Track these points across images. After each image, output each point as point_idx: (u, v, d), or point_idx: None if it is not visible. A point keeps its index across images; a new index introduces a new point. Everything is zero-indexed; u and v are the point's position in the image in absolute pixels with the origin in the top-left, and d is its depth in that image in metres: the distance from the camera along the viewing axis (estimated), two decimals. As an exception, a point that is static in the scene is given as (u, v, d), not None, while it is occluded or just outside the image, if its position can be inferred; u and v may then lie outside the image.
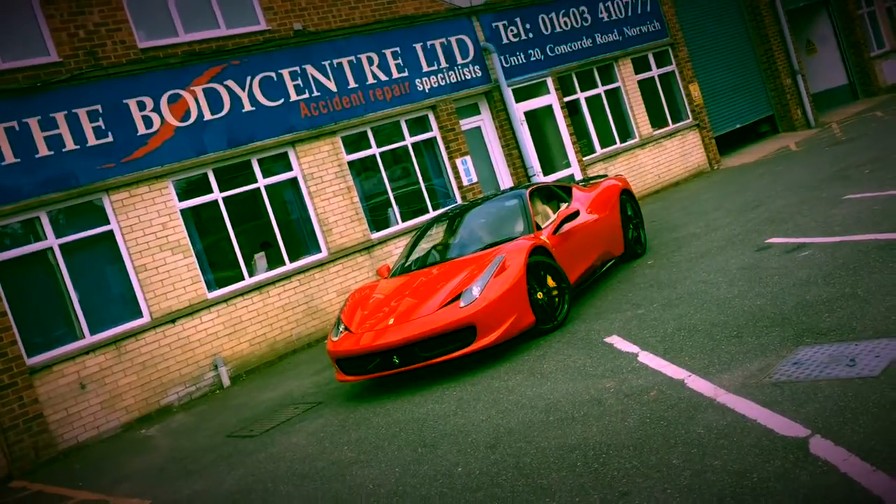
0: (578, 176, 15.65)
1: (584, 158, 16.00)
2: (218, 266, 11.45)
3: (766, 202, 11.39)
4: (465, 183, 13.99)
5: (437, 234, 9.47)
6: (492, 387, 6.73)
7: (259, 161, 11.92)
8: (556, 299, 7.97)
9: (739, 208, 11.62)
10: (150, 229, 10.73)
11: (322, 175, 12.44)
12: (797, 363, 5.09)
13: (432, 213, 13.56)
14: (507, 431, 5.57)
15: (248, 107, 11.79)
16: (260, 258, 11.80)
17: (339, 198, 12.53)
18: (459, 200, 14.01)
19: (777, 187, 12.53)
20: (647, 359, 6.13)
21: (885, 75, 24.36)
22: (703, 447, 4.35)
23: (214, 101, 11.48)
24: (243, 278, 11.50)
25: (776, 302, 6.44)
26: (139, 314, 10.56)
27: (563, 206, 9.46)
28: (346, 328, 7.99)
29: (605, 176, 11.31)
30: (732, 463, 4.08)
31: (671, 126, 18.16)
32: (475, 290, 7.40)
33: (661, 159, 17.66)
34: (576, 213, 8.59)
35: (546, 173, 15.19)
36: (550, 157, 15.55)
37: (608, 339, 6.94)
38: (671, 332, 6.56)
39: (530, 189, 9.25)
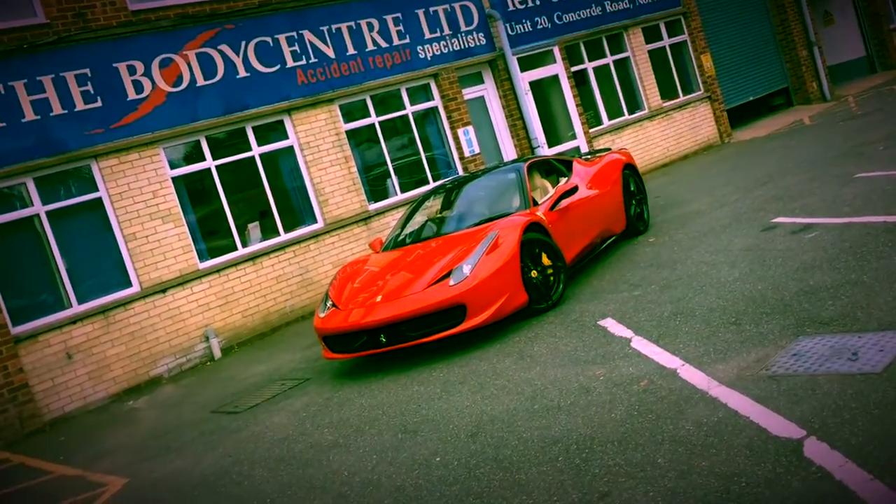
0: (584, 148, 15.29)
1: (590, 130, 15.62)
2: (210, 236, 11.20)
3: (776, 178, 11.04)
4: (467, 154, 13.66)
5: (432, 207, 9.17)
6: (479, 369, 6.48)
7: (254, 129, 11.62)
8: (552, 278, 7.69)
9: (748, 184, 11.27)
10: (141, 197, 10.47)
11: (319, 144, 12.13)
12: (796, 355, 4.81)
13: (432, 185, 13.25)
14: (490, 419, 5.33)
15: (242, 73, 11.46)
16: (254, 228, 11.55)
17: (336, 167, 12.23)
18: (461, 171, 13.69)
19: (788, 163, 12.16)
20: (641, 344, 5.86)
21: (903, 48, 23.74)
22: (690, 446, 4.09)
23: (208, 66, 11.16)
24: (236, 248, 11.26)
25: (778, 287, 6.14)
26: (128, 284, 10.34)
27: (563, 180, 9.15)
28: (333, 304, 7.74)
29: (608, 149, 10.96)
30: (721, 465, 3.81)
31: (681, 98, 17.73)
32: (466, 268, 7.12)
33: (670, 132, 17.25)
34: (574, 189, 8.28)
35: (551, 145, 14.84)
36: (556, 129, 15.18)
37: (602, 322, 6.67)
38: (667, 317, 6.28)
39: (528, 163, 8.93)
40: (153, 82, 10.68)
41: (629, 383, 5.17)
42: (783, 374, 4.61)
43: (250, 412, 7.51)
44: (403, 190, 13.04)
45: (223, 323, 10.88)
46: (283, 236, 11.67)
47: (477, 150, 13.77)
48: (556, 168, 9.33)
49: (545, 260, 7.65)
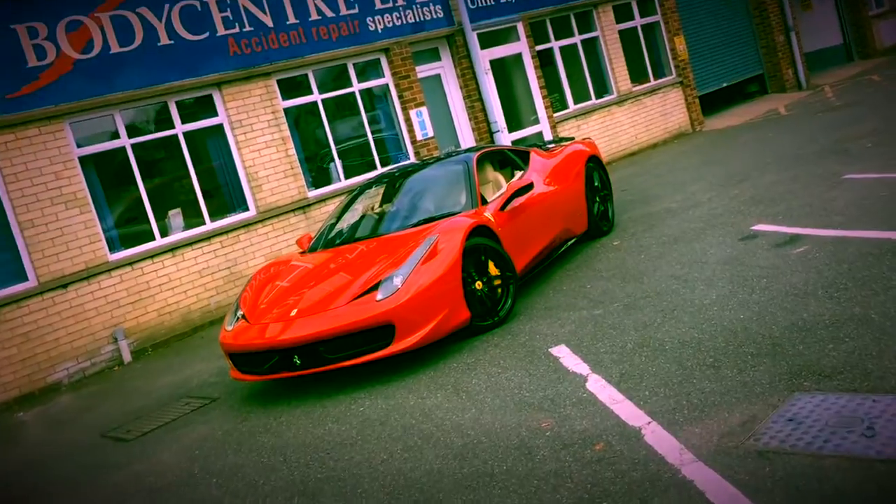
0: (548, 135, 14.18)
1: (554, 115, 14.51)
2: (124, 224, 9.96)
3: (753, 175, 10.03)
4: (420, 137, 12.50)
5: (369, 201, 8.00)
6: (405, 406, 5.39)
7: (177, 104, 10.35)
8: (499, 290, 6.60)
9: (722, 181, 10.25)
10: (40, 179, 9.19)
11: (252, 123, 10.89)
12: (793, 420, 3.78)
13: (375, 173, 12.08)
14: (407, 484, 4.23)
15: (165, 40, 10.17)
16: (175, 215, 10.31)
17: (271, 149, 11.01)
18: (412, 156, 12.53)
19: (765, 157, 11.17)
20: (598, 386, 4.79)
21: (882, 36, 22.93)
22: (657, 562, 3.03)
23: (124, 31, 9.85)
24: (154, 238, 10.02)
25: (765, 318, 5.10)
26: (23, 277, 9.08)
27: (518, 174, 8.05)
28: (243, 315, 6.59)
29: (571, 139, 9.87)
30: None
31: (652, 82, 16.69)
32: (397, 280, 6.01)
33: (640, 118, 16.21)
34: (529, 186, 7.18)
35: (512, 130, 13.71)
36: (518, 113, 14.05)
37: (554, 350, 5.59)
38: (631, 349, 5.22)
39: (479, 153, 7.81)
40: (58, 48, 9.36)
41: (581, 445, 4.10)
42: (777, 448, 3.57)
43: (141, 441, 6.37)
44: (349, 175, 11.87)
45: (135, 322, 9.67)
46: (209, 225, 10.46)
47: (430, 134, 12.62)
48: (510, 160, 8.22)
49: (492, 269, 6.57)
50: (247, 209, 10.81)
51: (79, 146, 9.55)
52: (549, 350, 5.61)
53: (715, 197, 9.32)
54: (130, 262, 9.69)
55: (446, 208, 7.13)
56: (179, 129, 10.33)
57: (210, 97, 10.63)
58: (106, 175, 9.86)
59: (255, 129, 10.89)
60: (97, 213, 9.58)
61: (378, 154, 12.25)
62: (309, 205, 11.23)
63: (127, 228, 9.94)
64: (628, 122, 15.93)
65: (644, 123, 16.25)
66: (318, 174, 11.69)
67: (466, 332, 6.42)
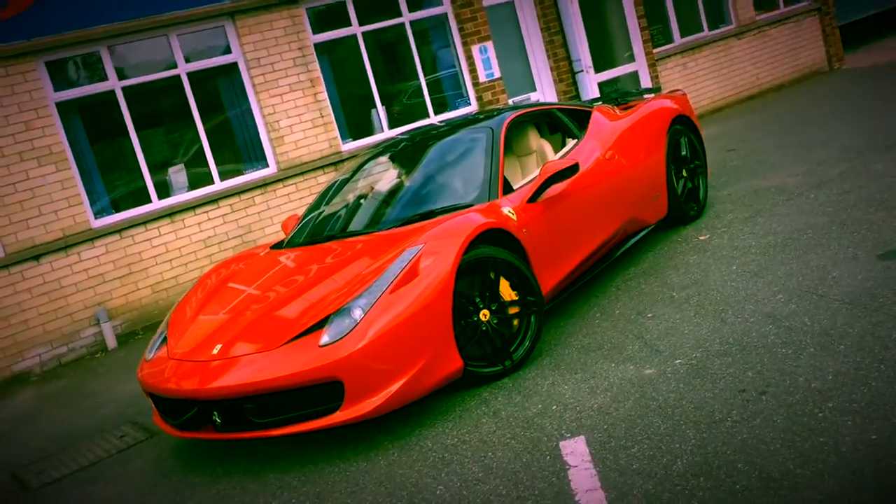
0: (645, 76, 11.77)
1: (654, 51, 12.06)
2: (112, 183, 8.43)
3: (906, 141, 7.56)
4: (483, 79, 10.42)
5: (369, 177, 6.07)
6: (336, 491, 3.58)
7: (180, 38, 8.64)
8: (515, 323, 4.64)
9: (862, 146, 7.80)
10: (7, 130, 7.71)
11: (274, 61, 9.08)
12: None
13: (432, 118, 10.12)
14: None
15: (163, -41, 8.42)
16: (176, 173, 8.71)
17: (297, 94, 9.20)
18: (473, 102, 10.49)
19: (923, 113, 8.59)
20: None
21: None
22: None
23: (110, -52, 8.15)
24: (150, 201, 8.46)
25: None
26: (-13, 248, 7.71)
27: (570, 144, 5.96)
28: (165, 339, 4.90)
29: (656, 90, 7.59)
30: None
31: (782, 9, 13.90)
32: (356, 312, 4.14)
33: (763, 54, 13.51)
34: (572, 169, 5.08)
35: (600, 69, 11.40)
36: (608, 49, 11.67)
37: (567, 448, 3.63)
38: (681, 474, 3.20)
39: (514, 116, 5.72)
40: (27, -30, 7.75)
41: None
42: None
43: (44, 493, 4.87)
44: (393, 125, 9.96)
45: (124, 301, 8.20)
46: (219, 185, 8.82)
47: (497, 75, 10.51)
48: (561, 123, 6.11)
49: (506, 291, 4.61)
50: (266, 165, 9.10)
51: (57, 90, 7.99)
52: (561, 446, 3.65)
53: (849, 172, 6.95)
54: (118, 230, 8.17)
55: (453, 198, 5.14)
56: (183, 69, 8.64)
57: (222, 30, 8.86)
58: (91, 125, 8.31)
59: (278, 70, 9.08)
60: (78, 171, 8.08)
61: (431, 99, 10.26)
62: (342, 160, 9.42)
63: (116, 189, 8.41)
64: (747, 59, 13.27)
65: (768, 60, 13.55)
66: (355, 123, 9.83)
67: (464, 380, 4.51)
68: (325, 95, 9.35)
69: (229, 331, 4.50)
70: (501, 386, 4.48)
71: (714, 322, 4.53)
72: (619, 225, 5.77)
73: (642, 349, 4.45)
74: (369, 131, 9.87)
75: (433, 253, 4.33)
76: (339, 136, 9.46)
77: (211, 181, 8.78)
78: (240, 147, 9.11)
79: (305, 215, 5.91)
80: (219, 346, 4.40)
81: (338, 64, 9.71)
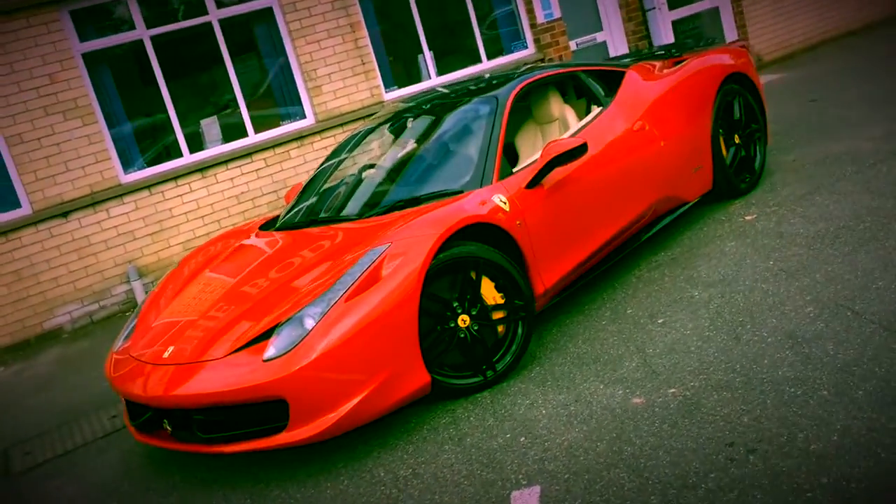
0: (728, 13, 10.69)
1: (740, -17, 10.93)
2: (141, 137, 8.19)
3: None
4: (542, 20, 9.64)
5: (368, 150, 5.56)
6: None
7: (210, -18, 8.23)
8: (500, 328, 4.13)
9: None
10: (31, 83, 7.52)
11: (311, 5, 8.57)
12: None
13: (484, 64, 9.46)
14: None
15: None
16: (209, 126, 8.40)
17: (336, 39, 8.69)
18: (531, 47, 9.74)
19: None
20: None
21: None
22: None
23: None
24: (181, 155, 8.21)
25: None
26: (15, 204, 7.63)
27: (595, 111, 5.27)
28: (132, 331, 4.61)
29: (710, 41, 6.71)
30: None
31: (895, -67, 12.37)
32: (307, 322, 3.71)
33: (870, -16, 12.11)
34: (579, 149, 4.42)
35: (674, 6, 10.40)
36: (686, -19, 10.64)
37: (518, 500, 3.14)
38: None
39: (524, 83, 5.05)
40: (47, -86, 7.44)
41: None
42: None
43: (26, 478, 4.76)
44: (443, 71, 9.36)
45: (155, 258, 8.04)
46: (253, 137, 8.48)
47: (556, 15, 9.70)
48: (585, 88, 5.40)
49: (488, 293, 4.09)
50: (302, 117, 8.69)
51: (82, 40, 7.73)
52: (512, 498, 3.16)
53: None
54: (148, 186, 7.96)
55: (442, 183, 4.58)
56: (214, 15, 8.24)
57: (255, -27, 8.40)
58: (119, 77, 8.04)
59: (315, 14, 8.57)
60: (106, 125, 7.86)
61: (483, 43, 9.56)
62: (385, 110, 8.89)
63: (145, 144, 8.18)
64: (851, -9, 11.93)
65: (875, -9, 12.15)
66: (400, 70, 9.27)
67: (439, 392, 4.05)
68: (366, 41, 8.81)
69: (186, 332, 4.15)
70: (478, 402, 4.00)
71: (727, 339, 3.90)
72: (646, 206, 5.11)
73: (640, 368, 3.87)
74: (416, 78, 9.30)
75: (399, 254, 3.84)
76: (381, 85, 8.94)
77: (244, 134, 8.45)
78: (275, 98, 8.71)
79: (302, 191, 5.46)
80: (171, 349, 4.06)
81: (381, 6, 9.11)
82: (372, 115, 8.80)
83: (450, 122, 4.95)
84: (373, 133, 5.49)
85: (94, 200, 7.74)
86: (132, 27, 7.92)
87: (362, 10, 8.80)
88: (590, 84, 5.34)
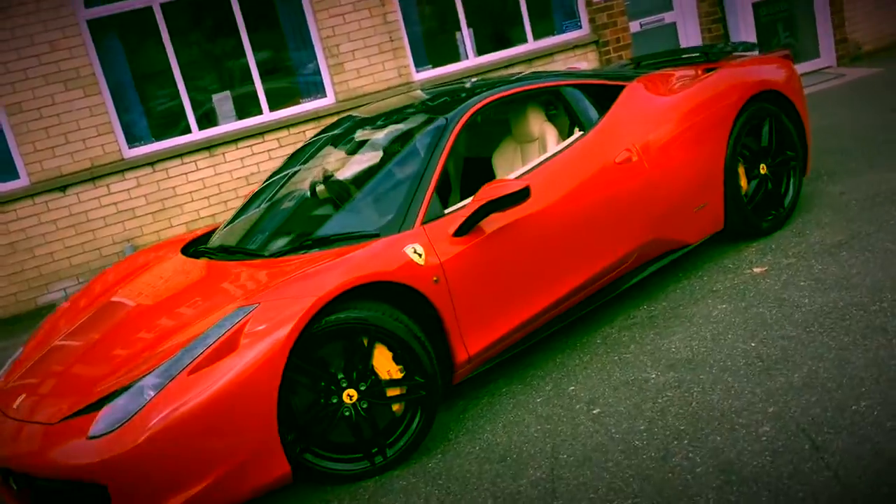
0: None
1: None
2: (148, 111, 7.81)
3: None
4: (598, -4, 8.68)
5: (306, 168, 4.88)
6: None
7: (227, -53, 7.68)
8: (397, 407, 3.49)
9: None
10: (31, 50, 7.22)
11: (336, -26, 7.92)
12: None
13: (530, 44, 8.61)
14: None
15: None
16: (221, 101, 7.94)
17: (362, 13, 8.03)
18: (586, 27, 8.81)
19: None
20: None
21: None
22: None
23: None
24: (189, 131, 7.80)
25: None
26: (13, 175, 7.41)
27: (577, 135, 4.46)
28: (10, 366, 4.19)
29: (752, 46, 5.69)
30: None
31: None
32: (147, 392, 3.17)
33: None
34: (515, 196, 3.65)
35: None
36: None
37: None
38: None
39: (482, 103, 4.21)
40: None
41: None
42: None
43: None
44: (483, 50, 8.57)
45: (156, 238, 7.71)
46: (268, 115, 7.98)
47: (616, -9, 8.71)
48: (569, 107, 4.55)
49: (383, 366, 3.44)
50: (323, 95, 8.11)
51: (88, 6, 7.36)
52: None
53: None
54: (151, 162, 7.60)
55: (359, 222, 3.90)
56: (230, -17, 7.72)
57: (277, -62, 7.79)
58: (126, 47, 7.65)
59: (340, -15, 7.92)
60: (111, 97, 7.51)
61: (530, 20, 8.69)
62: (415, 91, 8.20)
63: (151, 118, 7.80)
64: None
65: None
66: (435, 48, 8.53)
67: (318, 478, 3.46)
68: (397, 16, 8.11)
69: (44, 381, 3.68)
70: (356, 496, 3.39)
71: (654, 457, 3.13)
72: (627, 251, 4.31)
73: (541, 482, 3.16)
74: (453, 57, 8.54)
75: (266, 319, 3.24)
76: (411, 64, 8.24)
77: (259, 111, 7.95)
78: (294, 74, 8.15)
79: (242, 206, 4.87)
80: (20, 399, 3.60)
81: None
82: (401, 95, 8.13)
83: (390, 143, 4.26)
84: (310, 150, 4.85)
85: (94, 175, 7.44)
86: (141, -7, 7.49)
87: (393, -19, 8.09)
88: (573, 102, 4.52)
